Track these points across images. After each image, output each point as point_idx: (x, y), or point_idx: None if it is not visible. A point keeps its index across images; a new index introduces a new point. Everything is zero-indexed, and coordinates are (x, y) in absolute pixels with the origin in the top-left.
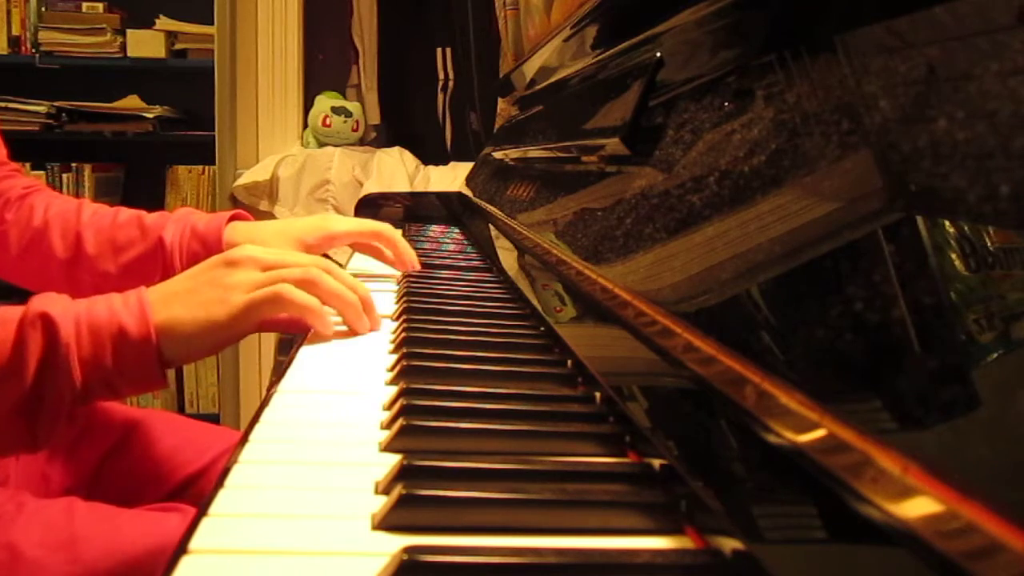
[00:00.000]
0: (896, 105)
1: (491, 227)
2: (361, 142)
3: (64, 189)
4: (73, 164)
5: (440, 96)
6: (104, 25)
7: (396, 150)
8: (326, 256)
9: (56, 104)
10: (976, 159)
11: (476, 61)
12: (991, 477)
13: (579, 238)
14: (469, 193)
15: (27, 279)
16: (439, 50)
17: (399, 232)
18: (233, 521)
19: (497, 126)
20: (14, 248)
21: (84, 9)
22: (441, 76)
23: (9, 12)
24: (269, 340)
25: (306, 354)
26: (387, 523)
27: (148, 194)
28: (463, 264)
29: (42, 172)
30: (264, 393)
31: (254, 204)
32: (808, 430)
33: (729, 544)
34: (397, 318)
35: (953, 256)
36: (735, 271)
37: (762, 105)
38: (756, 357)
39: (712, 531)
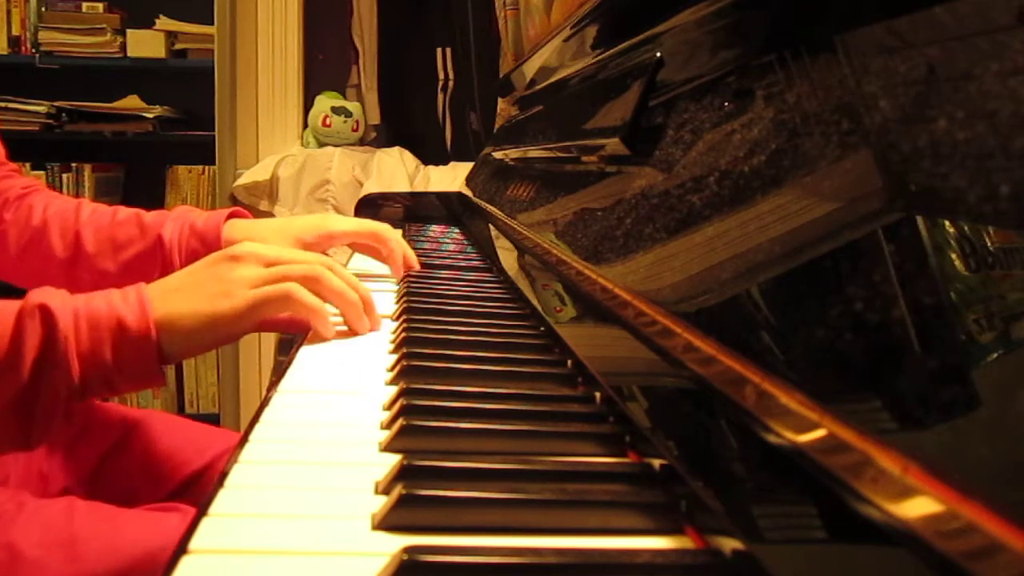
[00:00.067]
0: (896, 105)
1: (491, 227)
2: (361, 142)
3: (64, 189)
4: (73, 164)
5: (440, 96)
6: (104, 25)
7: (396, 150)
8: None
9: (56, 104)
10: (976, 159)
11: (476, 61)
12: (991, 477)
13: (579, 238)
14: (469, 193)
15: (26, 279)
16: (439, 50)
17: (399, 233)
18: (233, 521)
19: (497, 126)
20: (13, 248)
21: (84, 9)
22: (441, 76)
23: (9, 12)
24: (269, 340)
25: (306, 354)
26: (387, 523)
27: (148, 194)
28: (463, 264)
29: (42, 172)
30: (264, 393)
31: (254, 204)
32: (808, 430)
33: (729, 544)
34: (397, 318)
35: (953, 256)
36: (735, 271)
37: (762, 105)
38: (756, 357)
39: (712, 531)
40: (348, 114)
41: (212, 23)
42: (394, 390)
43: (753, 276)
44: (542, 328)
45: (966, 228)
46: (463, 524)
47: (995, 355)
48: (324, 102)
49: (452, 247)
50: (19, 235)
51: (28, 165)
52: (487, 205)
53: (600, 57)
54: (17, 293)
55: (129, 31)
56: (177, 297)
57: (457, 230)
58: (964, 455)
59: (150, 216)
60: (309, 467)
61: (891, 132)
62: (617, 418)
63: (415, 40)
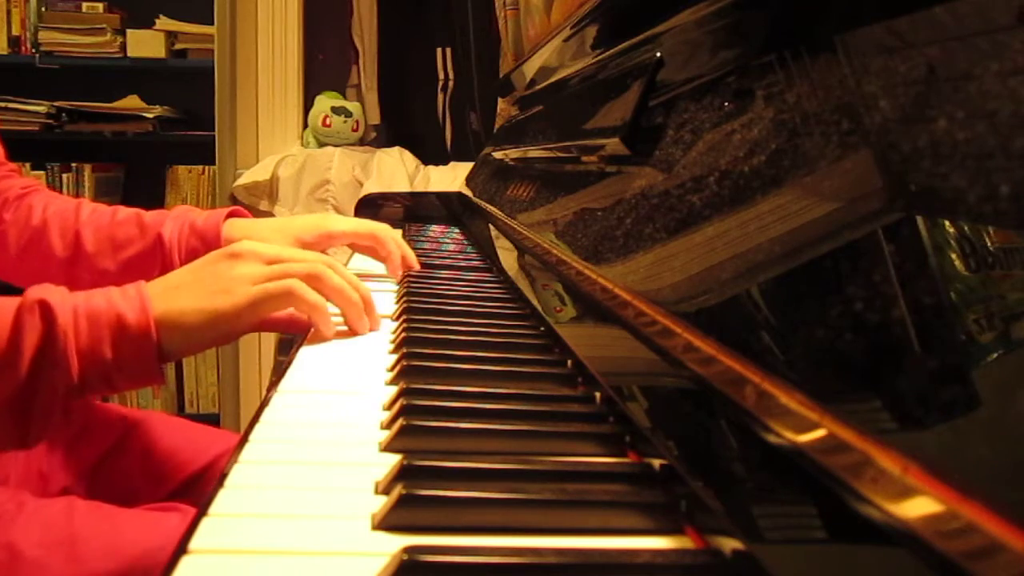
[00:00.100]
0: (896, 105)
1: (491, 227)
2: (361, 142)
3: (64, 189)
4: (73, 164)
5: (440, 96)
6: (104, 25)
7: (396, 150)
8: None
9: (56, 104)
10: (976, 159)
11: (476, 61)
12: (991, 477)
13: (579, 238)
14: (469, 193)
15: (26, 279)
16: (439, 50)
17: (399, 233)
18: (233, 521)
19: (497, 126)
20: (13, 248)
21: (84, 9)
22: (441, 76)
23: (9, 12)
24: (269, 340)
25: (306, 354)
26: (387, 523)
27: (148, 194)
28: (463, 264)
29: (42, 172)
30: (264, 393)
31: (254, 204)
32: (808, 430)
33: (729, 544)
34: (397, 318)
35: (953, 256)
36: (735, 271)
37: (762, 105)
38: (756, 357)
39: (712, 531)
40: (348, 114)
41: (212, 23)
42: (394, 390)
43: (753, 276)
44: (542, 328)
45: (966, 228)
46: (463, 524)
47: (995, 355)
48: (324, 102)
49: (452, 247)
50: (19, 235)
51: (28, 165)
52: (487, 205)
53: (600, 57)
54: (17, 293)
55: (129, 31)
56: (178, 294)
57: (457, 230)
58: (964, 455)
59: (150, 216)
60: (309, 467)
61: (891, 132)
62: (617, 418)
63: (415, 40)
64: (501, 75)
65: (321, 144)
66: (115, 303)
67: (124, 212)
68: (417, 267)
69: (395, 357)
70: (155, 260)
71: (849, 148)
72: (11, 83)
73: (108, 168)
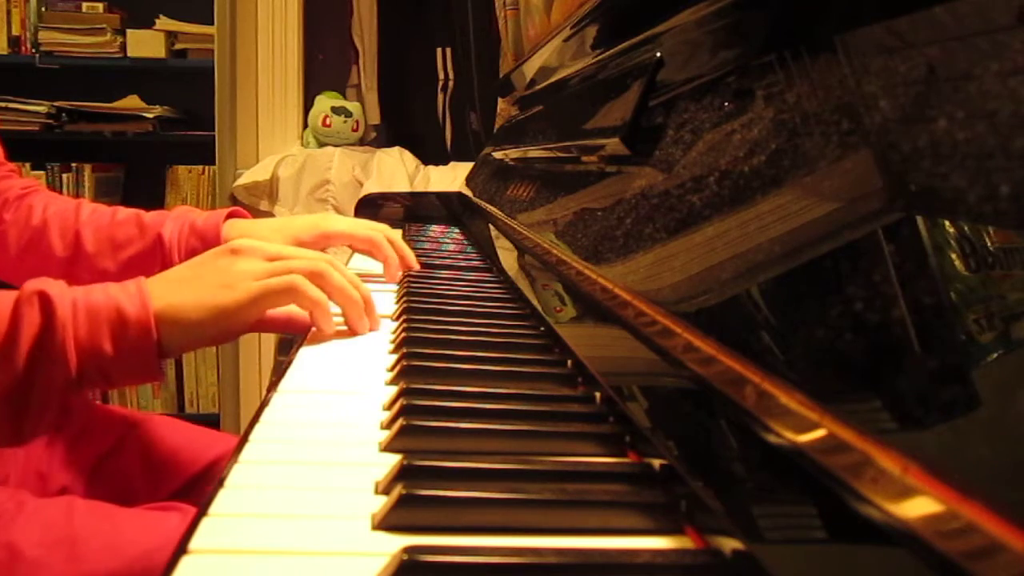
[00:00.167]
0: (896, 105)
1: (491, 227)
2: (361, 142)
3: (64, 189)
4: (73, 164)
5: (440, 96)
6: (104, 25)
7: (396, 150)
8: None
9: (56, 104)
10: (976, 159)
11: (476, 61)
12: (991, 477)
13: (579, 238)
14: (469, 193)
15: (26, 278)
16: (439, 50)
17: (398, 233)
18: (233, 521)
19: (497, 126)
20: (13, 248)
21: (84, 9)
22: (441, 76)
23: (9, 12)
24: (269, 340)
25: (306, 354)
26: (387, 523)
27: (148, 194)
28: (463, 264)
29: (42, 172)
30: (264, 393)
31: (254, 204)
32: (808, 430)
33: (729, 544)
34: (397, 318)
35: (953, 256)
36: (735, 271)
37: (762, 105)
38: (756, 357)
39: (712, 531)
40: (348, 114)
41: (212, 23)
42: (394, 390)
43: (753, 276)
44: (542, 328)
45: (966, 228)
46: (463, 524)
47: (995, 355)
48: (324, 102)
49: (452, 247)
50: (19, 235)
51: (28, 165)
52: (487, 205)
53: (600, 57)
54: None
55: (129, 31)
56: (178, 288)
57: (457, 230)
58: (964, 455)
59: (150, 216)
60: (309, 467)
61: (891, 132)
62: (617, 418)
63: (415, 40)
64: (501, 75)
65: (321, 144)
66: (115, 297)
67: (124, 212)
68: (417, 267)
69: (395, 357)
70: (155, 260)
71: (849, 148)
72: (11, 83)
73: (108, 168)
